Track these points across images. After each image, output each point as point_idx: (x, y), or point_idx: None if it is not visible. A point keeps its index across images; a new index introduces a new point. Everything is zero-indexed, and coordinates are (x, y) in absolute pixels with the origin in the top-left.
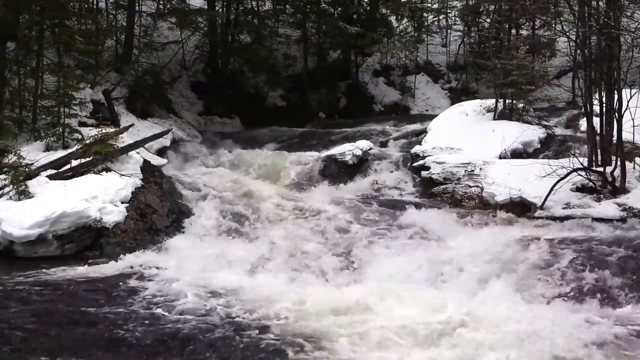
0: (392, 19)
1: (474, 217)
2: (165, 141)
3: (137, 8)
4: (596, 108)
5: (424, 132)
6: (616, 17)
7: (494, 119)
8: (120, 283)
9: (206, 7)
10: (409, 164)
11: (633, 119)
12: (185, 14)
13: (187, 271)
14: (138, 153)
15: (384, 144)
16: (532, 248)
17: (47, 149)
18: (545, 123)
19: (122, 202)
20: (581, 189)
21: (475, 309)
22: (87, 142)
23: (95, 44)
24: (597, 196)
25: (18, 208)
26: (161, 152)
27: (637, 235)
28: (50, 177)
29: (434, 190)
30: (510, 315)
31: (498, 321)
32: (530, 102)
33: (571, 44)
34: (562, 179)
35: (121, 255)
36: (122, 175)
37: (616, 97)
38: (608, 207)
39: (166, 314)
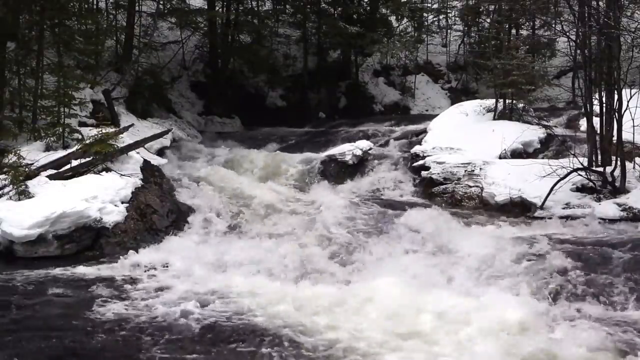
0: (392, 19)
1: (473, 217)
2: (165, 141)
3: (137, 8)
4: (596, 108)
5: (424, 132)
6: (616, 17)
7: (494, 119)
8: (120, 283)
9: (206, 7)
10: (409, 164)
11: (633, 119)
12: (185, 14)
13: (187, 271)
14: (138, 153)
15: (384, 144)
16: (532, 248)
17: (47, 149)
18: (545, 123)
19: (122, 202)
20: (581, 189)
21: (475, 310)
22: (87, 142)
23: (95, 44)
24: (597, 196)
25: (18, 208)
26: (161, 152)
27: (637, 235)
28: (50, 177)
29: (433, 190)
30: (512, 315)
31: (499, 321)
32: (530, 102)
33: (571, 44)
34: (562, 179)
35: (121, 256)
36: (122, 175)
37: (616, 97)
38: (608, 207)
39: (165, 314)
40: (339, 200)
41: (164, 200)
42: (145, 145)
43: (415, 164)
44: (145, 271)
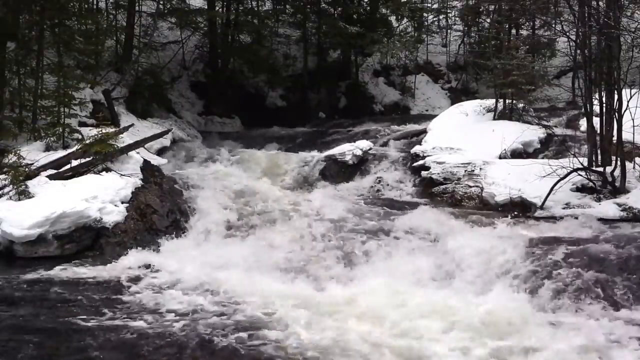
0: (392, 19)
1: (473, 217)
2: (165, 141)
3: (137, 8)
4: (596, 108)
5: (424, 132)
6: (616, 17)
7: (494, 119)
8: (120, 284)
9: (206, 7)
10: (409, 164)
11: (633, 119)
12: (185, 14)
13: (187, 272)
14: (138, 153)
15: (384, 144)
16: (531, 248)
17: (47, 149)
18: (545, 123)
19: (122, 202)
20: (581, 189)
21: (475, 309)
22: (87, 142)
23: (95, 44)
24: (597, 196)
25: (18, 208)
26: (161, 152)
27: (637, 235)
28: (50, 177)
29: (433, 190)
30: (512, 315)
31: (501, 322)
32: (530, 102)
33: (571, 44)
34: (562, 179)
35: (121, 256)
36: (122, 175)
37: (616, 97)
38: (608, 207)
39: (166, 315)
40: (338, 200)
41: (164, 200)
42: (145, 145)
43: (415, 164)
44: (144, 272)
